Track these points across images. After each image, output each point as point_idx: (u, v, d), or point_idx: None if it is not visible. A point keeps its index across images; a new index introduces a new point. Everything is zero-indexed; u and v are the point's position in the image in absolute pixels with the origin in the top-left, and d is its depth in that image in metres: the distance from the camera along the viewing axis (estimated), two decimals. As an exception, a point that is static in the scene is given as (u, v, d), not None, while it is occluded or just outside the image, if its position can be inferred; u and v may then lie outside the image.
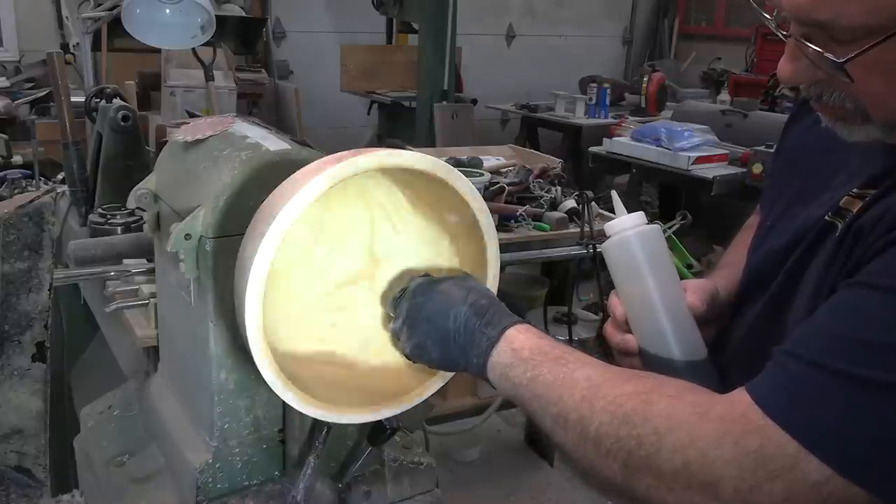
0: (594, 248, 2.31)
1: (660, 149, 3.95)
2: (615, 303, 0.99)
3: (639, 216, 0.94)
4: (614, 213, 0.97)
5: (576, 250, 2.38)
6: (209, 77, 3.33)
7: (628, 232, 0.93)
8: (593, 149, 4.41)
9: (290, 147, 0.98)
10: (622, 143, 4.22)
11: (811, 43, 0.74)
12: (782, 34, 0.79)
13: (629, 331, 0.97)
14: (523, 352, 0.85)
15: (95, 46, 3.77)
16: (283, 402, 0.89)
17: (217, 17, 2.44)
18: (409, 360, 0.94)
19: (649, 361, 0.94)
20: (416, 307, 0.91)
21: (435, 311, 0.90)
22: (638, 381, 0.79)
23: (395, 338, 0.95)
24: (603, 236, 1.02)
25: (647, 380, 0.80)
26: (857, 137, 0.81)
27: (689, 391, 0.77)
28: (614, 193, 1.01)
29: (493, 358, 0.86)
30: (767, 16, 0.82)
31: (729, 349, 0.99)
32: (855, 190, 0.83)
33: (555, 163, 2.77)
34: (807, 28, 0.75)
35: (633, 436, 0.74)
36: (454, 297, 0.90)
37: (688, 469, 0.71)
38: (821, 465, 0.67)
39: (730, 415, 0.71)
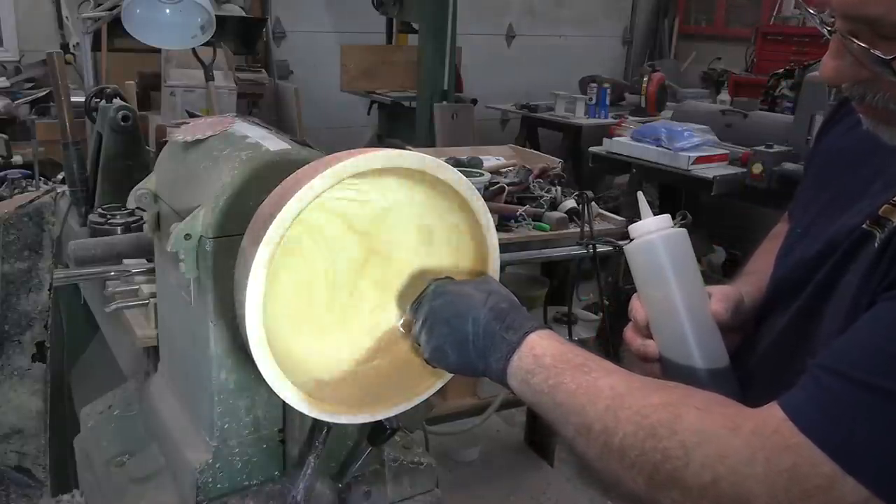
0: (594, 248, 2.30)
1: (660, 149, 3.95)
2: (637, 306, 0.97)
3: (664, 219, 0.92)
4: (639, 215, 0.95)
5: (576, 250, 2.38)
6: (209, 77, 3.33)
7: (653, 235, 0.91)
8: (593, 149, 4.40)
9: (290, 147, 0.98)
10: (622, 143, 4.22)
11: (857, 40, 0.72)
12: (827, 30, 0.77)
13: (649, 335, 0.96)
14: (545, 358, 0.83)
15: (95, 46, 3.77)
16: (283, 402, 0.89)
17: (217, 17, 2.44)
18: (428, 363, 0.92)
19: (669, 368, 0.92)
20: (435, 310, 0.90)
21: (454, 314, 0.88)
22: (664, 391, 0.78)
23: (416, 342, 0.94)
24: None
25: (673, 390, 0.78)
26: None
27: (718, 404, 0.75)
28: (640, 195, 0.99)
29: (514, 363, 0.85)
30: (812, 11, 0.80)
31: (754, 358, 0.96)
32: (895, 199, 0.80)
33: (555, 163, 2.77)
34: (853, 24, 0.73)
35: (658, 449, 0.72)
36: (474, 300, 0.89)
37: (717, 486, 0.69)
38: (857, 486, 0.65)
39: (762, 430, 0.69)
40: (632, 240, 0.93)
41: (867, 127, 0.82)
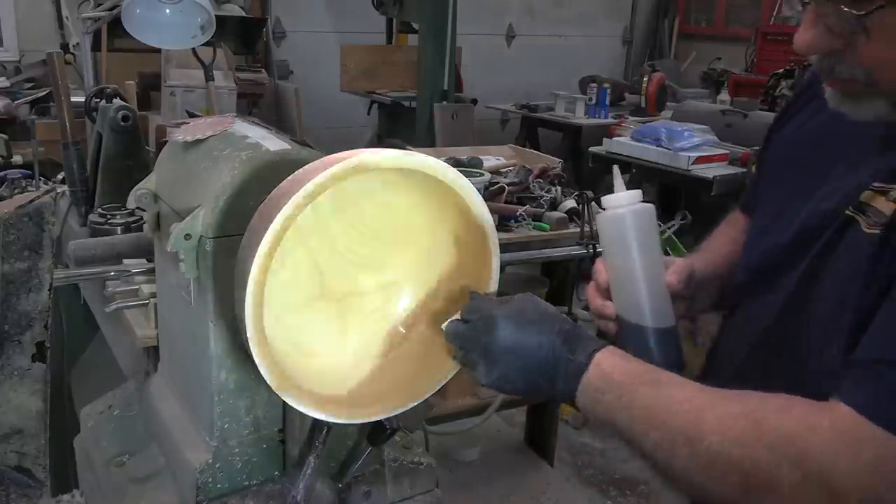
0: (594, 248, 2.31)
1: (660, 149, 3.95)
2: (600, 269, 1.05)
3: (636, 194, 0.99)
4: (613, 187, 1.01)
5: (576, 250, 2.38)
6: (209, 77, 3.33)
7: (623, 209, 0.98)
8: (593, 149, 4.41)
9: (290, 147, 0.98)
10: (622, 143, 4.22)
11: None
12: (802, 3, 0.82)
13: (609, 297, 1.04)
14: (614, 376, 0.84)
15: (95, 46, 3.77)
16: (283, 402, 0.89)
17: (217, 17, 2.44)
18: (485, 387, 0.92)
19: (624, 326, 1.01)
20: (497, 341, 0.87)
21: (518, 343, 0.87)
22: (741, 400, 0.79)
23: (467, 367, 0.92)
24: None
25: (749, 398, 0.79)
26: (865, 115, 0.84)
27: (794, 404, 0.77)
28: (616, 168, 1.05)
29: (583, 383, 0.85)
30: None
31: (739, 344, 1.01)
32: (876, 184, 0.84)
33: (555, 163, 2.78)
34: None
35: (747, 456, 0.74)
36: (538, 325, 0.88)
37: (807, 484, 0.72)
38: None
39: (840, 426, 0.72)
40: (604, 209, 1.00)
41: (834, 106, 0.87)
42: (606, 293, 1.04)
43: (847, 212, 0.85)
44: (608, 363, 0.85)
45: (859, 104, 0.84)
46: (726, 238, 1.20)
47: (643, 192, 1.01)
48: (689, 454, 0.78)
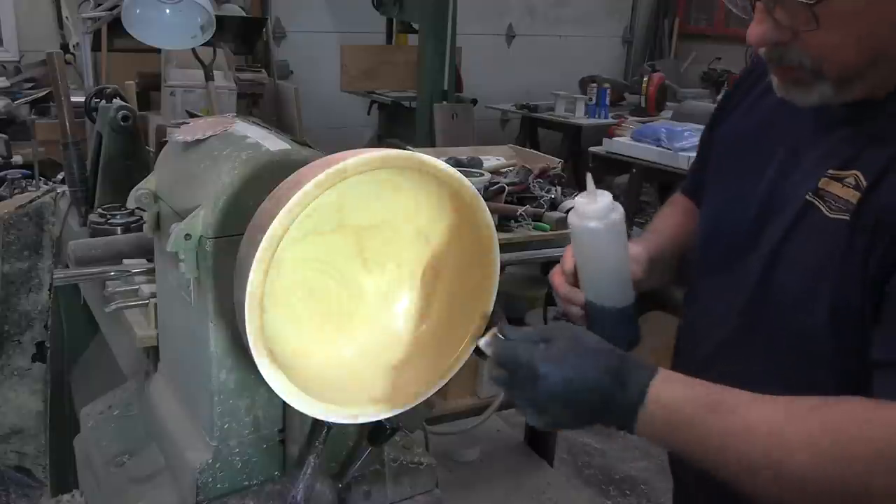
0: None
1: (660, 149, 3.95)
2: (569, 257, 1.12)
3: (608, 203, 1.04)
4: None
5: (576, 250, 2.37)
6: (209, 77, 3.33)
7: (599, 225, 1.04)
8: (593, 149, 4.40)
9: (290, 147, 0.98)
10: (622, 143, 4.22)
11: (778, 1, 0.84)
12: (751, 2, 0.89)
13: (575, 283, 1.12)
14: (677, 407, 0.83)
15: (95, 46, 3.77)
16: (283, 402, 0.89)
17: (217, 17, 2.44)
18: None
19: (591, 308, 1.10)
20: (540, 393, 0.84)
21: (565, 391, 0.84)
22: (818, 412, 0.79)
23: (519, 409, 0.89)
24: None
25: (825, 409, 0.80)
26: (812, 100, 0.90)
27: (871, 409, 0.78)
28: (589, 176, 1.09)
29: (642, 419, 0.84)
30: None
31: (710, 324, 1.08)
32: (831, 171, 0.90)
33: (555, 163, 2.77)
34: None
35: (837, 474, 0.75)
36: (583, 369, 0.84)
37: None
38: None
39: None
40: (578, 218, 1.05)
41: (781, 94, 0.93)
42: (572, 278, 1.12)
43: (807, 197, 0.91)
44: (666, 394, 0.83)
45: (806, 91, 0.90)
46: (671, 220, 1.30)
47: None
48: (773, 477, 0.78)
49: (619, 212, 1.05)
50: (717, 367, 0.98)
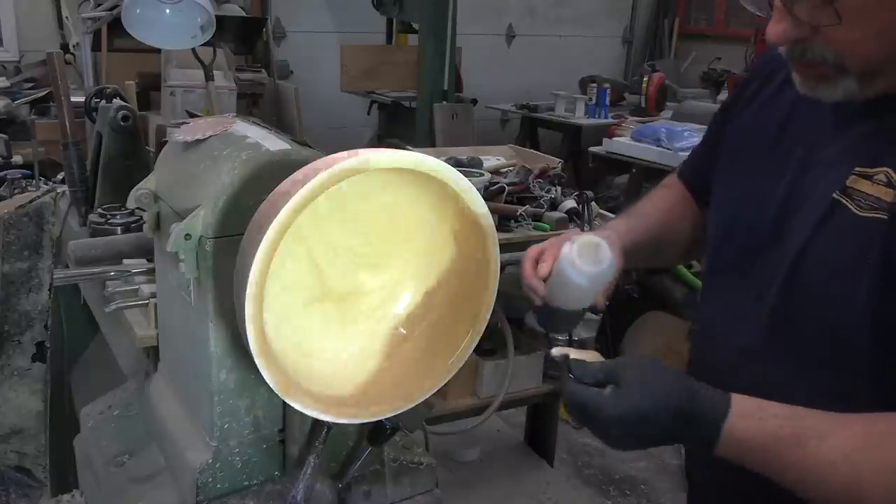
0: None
1: (660, 149, 3.95)
2: (549, 262, 1.09)
3: (604, 270, 1.04)
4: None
5: (576, 250, 2.37)
6: (209, 77, 3.33)
7: (588, 283, 1.05)
8: (593, 149, 4.40)
9: (290, 147, 0.98)
10: (622, 143, 4.22)
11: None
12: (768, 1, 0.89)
13: (542, 276, 1.10)
14: (752, 444, 0.82)
15: (95, 46, 3.77)
16: (283, 402, 0.89)
17: (217, 17, 2.44)
18: None
19: (550, 307, 1.12)
20: (614, 433, 0.86)
21: (637, 435, 0.85)
22: (889, 439, 0.79)
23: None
24: None
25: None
26: (836, 95, 0.89)
27: None
28: (598, 239, 1.08)
29: (718, 452, 0.84)
30: None
31: (733, 326, 1.03)
32: (858, 169, 0.88)
33: (555, 163, 2.77)
34: None
35: None
36: (652, 413, 0.84)
37: None
38: None
39: None
40: (570, 246, 1.05)
41: (804, 91, 0.92)
42: (542, 281, 1.10)
43: (834, 196, 0.89)
44: (739, 433, 0.82)
45: (830, 86, 0.89)
46: (664, 203, 1.28)
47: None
48: None
49: (611, 265, 1.04)
50: (742, 376, 0.97)
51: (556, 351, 0.95)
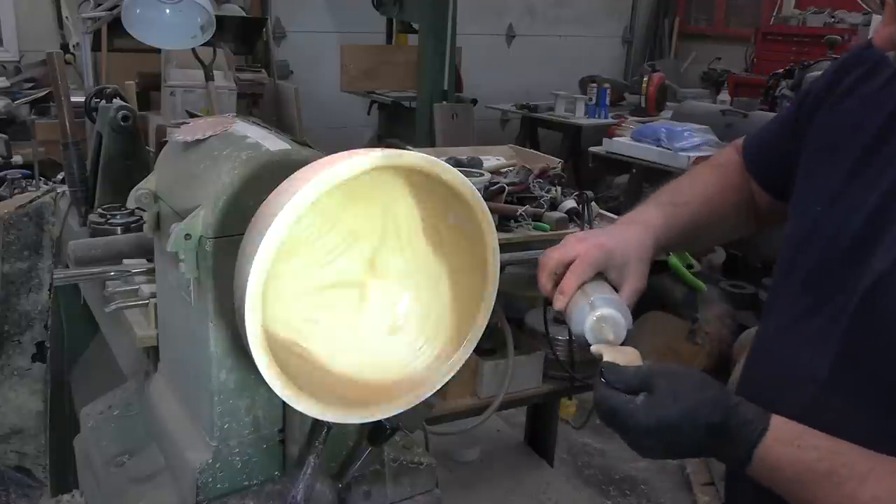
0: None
1: (660, 149, 3.95)
2: (566, 295, 1.02)
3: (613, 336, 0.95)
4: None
5: (576, 250, 2.37)
6: (209, 77, 3.33)
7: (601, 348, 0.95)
8: (593, 149, 4.41)
9: (290, 147, 0.98)
10: (622, 143, 4.22)
11: None
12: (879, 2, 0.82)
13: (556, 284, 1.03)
14: (784, 472, 0.79)
15: (95, 46, 3.77)
16: (283, 402, 0.88)
17: (217, 17, 2.44)
18: None
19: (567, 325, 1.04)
20: (645, 442, 0.83)
21: (667, 445, 0.82)
22: None
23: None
24: None
25: None
26: None
27: None
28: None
29: (749, 472, 0.81)
30: None
31: (808, 340, 0.93)
32: None
33: (555, 163, 2.77)
34: None
35: None
36: (683, 426, 0.80)
37: None
38: None
39: None
40: (592, 306, 0.98)
41: None
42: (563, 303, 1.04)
43: None
44: (773, 457, 0.79)
45: None
46: (710, 189, 1.14)
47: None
48: None
49: (626, 332, 0.97)
50: (795, 401, 0.90)
51: (594, 348, 0.92)
